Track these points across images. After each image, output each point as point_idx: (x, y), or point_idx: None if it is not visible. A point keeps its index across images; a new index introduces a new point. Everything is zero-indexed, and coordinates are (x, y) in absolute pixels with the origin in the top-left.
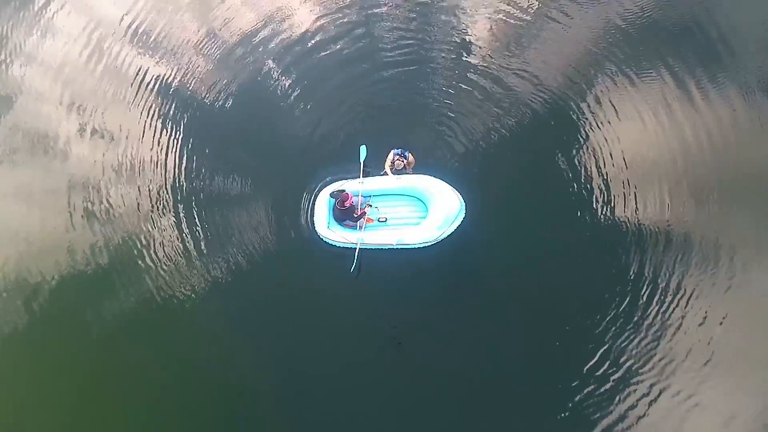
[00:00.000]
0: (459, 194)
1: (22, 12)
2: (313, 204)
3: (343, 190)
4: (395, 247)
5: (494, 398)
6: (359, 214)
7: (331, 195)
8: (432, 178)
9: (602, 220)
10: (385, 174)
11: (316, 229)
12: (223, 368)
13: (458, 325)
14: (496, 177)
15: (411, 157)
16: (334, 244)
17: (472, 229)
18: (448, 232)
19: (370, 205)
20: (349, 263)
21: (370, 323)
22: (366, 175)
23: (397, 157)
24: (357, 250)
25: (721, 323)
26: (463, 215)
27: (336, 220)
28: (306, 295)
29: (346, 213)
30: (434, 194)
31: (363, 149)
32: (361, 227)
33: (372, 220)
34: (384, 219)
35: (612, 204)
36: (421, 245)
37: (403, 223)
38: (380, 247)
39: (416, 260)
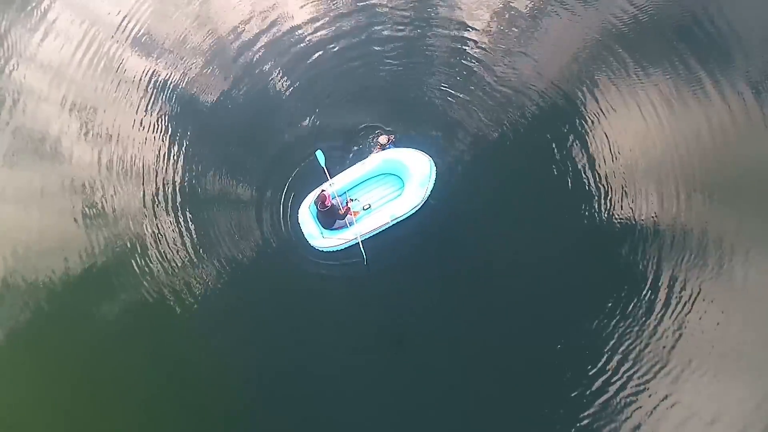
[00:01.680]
0: (421, 151)
1: (20, 13)
2: (298, 222)
3: (322, 191)
4: (392, 224)
5: (493, 398)
6: (344, 210)
7: (314, 203)
8: (391, 149)
9: (598, 214)
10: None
11: (312, 244)
12: (220, 368)
13: (459, 320)
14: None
15: None
16: (335, 249)
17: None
18: (431, 188)
19: (351, 200)
20: (350, 261)
21: (372, 318)
22: (332, 174)
23: (387, 136)
24: (360, 244)
25: (724, 324)
26: (435, 167)
27: (326, 227)
28: (304, 294)
29: (330, 214)
30: (402, 162)
31: (320, 154)
32: (351, 223)
33: (358, 212)
34: (368, 206)
35: (609, 198)
36: (414, 211)
37: (386, 201)
38: (379, 231)
39: (413, 234)
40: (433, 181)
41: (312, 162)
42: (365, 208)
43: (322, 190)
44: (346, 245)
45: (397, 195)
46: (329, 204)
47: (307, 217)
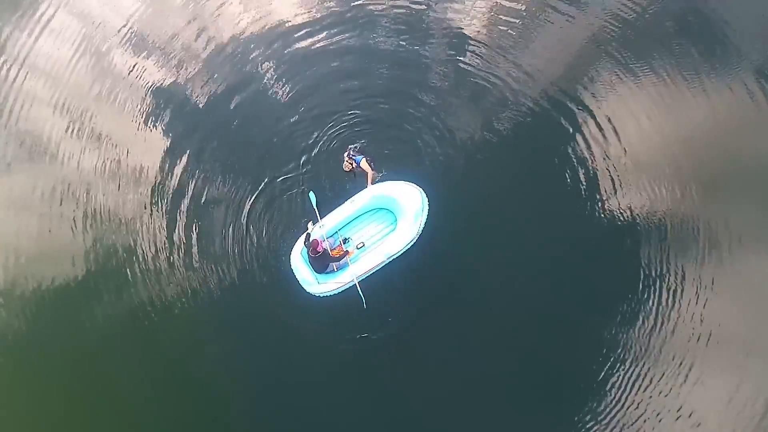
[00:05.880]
0: (412, 183)
1: (16, 16)
2: (291, 267)
3: (311, 238)
4: (388, 262)
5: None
6: (338, 253)
7: (305, 245)
8: (381, 184)
9: (597, 214)
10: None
11: (308, 290)
12: (217, 376)
13: (454, 338)
14: (459, 168)
15: (365, 164)
16: (333, 294)
17: (444, 218)
18: (424, 221)
19: (344, 240)
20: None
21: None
22: (322, 214)
23: (347, 158)
24: (358, 286)
25: (723, 316)
26: (427, 200)
27: (319, 271)
28: (304, 304)
29: (323, 259)
30: (393, 197)
31: (312, 196)
32: (345, 264)
33: (352, 251)
34: (361, 245)
35: (606, 196)
36: (409, 247)
37: (380, 238)
38: (375, 270)
39: (410, 269)
40: (426, 214)
41: (309, 184)
42: (359, 246)
43: (308, 235)
44: (343, 289)
45: (390, 230)
46: (321, 249)
47: (299, 263)
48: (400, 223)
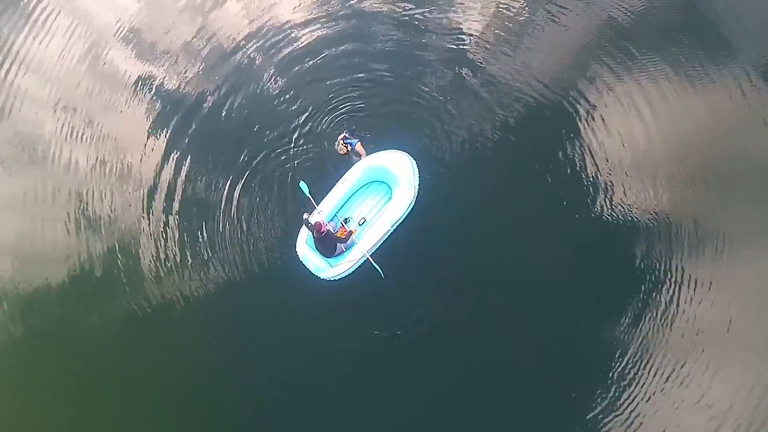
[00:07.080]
0: (397, 150)
1: (13, 16)
2: (300, 258)
3: (311, 223)
4: (393, 229)
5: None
6: (344, 234)
7: (307, 226)
8: (365, 158)
9: (599, 206)
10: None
11: (322, 276)
12: (220, 378)
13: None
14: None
15: (359, 147)
16: (348, 273)
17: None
18: (418, 182)
19: (345, 221)
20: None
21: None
22: (318, 200)
23: (341, 142)
24: (371, 260)
25: (744, 309)
26: (414, 161)
27: (328, 255)
28: (310, 302)
29: (330, 239)
30: (382, 166)
31: (303, 185)
32: (352, 242)
33: (355, 230)
34: (363, 221)
35: (606, 194)
36: (409, 210)
37: (379, 209)
38: (383, 241)
39: (412, 239)
40: (418, 175)
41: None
42: (360, 223)
43: (308, 222)
44: (357, 266)
45: (387, 200)
46: (325, 230)
47: (307, 251)
48: (395, 191)
